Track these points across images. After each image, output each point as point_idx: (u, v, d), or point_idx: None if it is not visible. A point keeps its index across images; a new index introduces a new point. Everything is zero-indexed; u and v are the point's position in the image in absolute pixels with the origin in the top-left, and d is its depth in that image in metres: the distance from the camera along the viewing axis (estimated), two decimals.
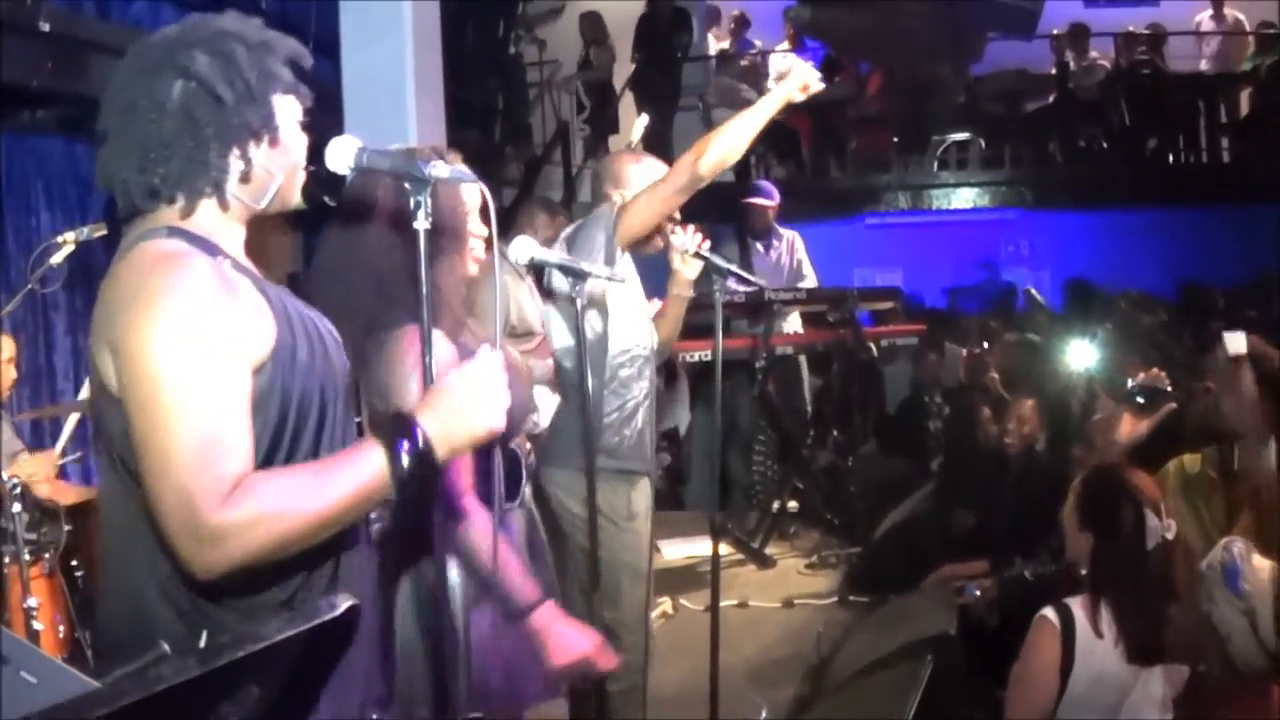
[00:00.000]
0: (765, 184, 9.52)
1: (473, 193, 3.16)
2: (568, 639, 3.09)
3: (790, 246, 9.05)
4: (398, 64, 7.17)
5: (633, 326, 4.46)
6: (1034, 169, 14.02)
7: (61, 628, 5.22)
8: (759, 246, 8.98)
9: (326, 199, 2.59)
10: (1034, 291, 11.15)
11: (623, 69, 13.54)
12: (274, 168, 2.35)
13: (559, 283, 4.40)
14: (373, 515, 2.59)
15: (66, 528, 5.41)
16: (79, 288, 6.86)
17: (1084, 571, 3.77)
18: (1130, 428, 4.51)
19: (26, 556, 5.02)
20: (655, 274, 4.74)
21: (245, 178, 2.31)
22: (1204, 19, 14.73)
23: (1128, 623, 3.58)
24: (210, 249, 2.26)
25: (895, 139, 14.10)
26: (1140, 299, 9.07)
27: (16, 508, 5.04)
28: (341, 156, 2.40)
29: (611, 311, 4.37)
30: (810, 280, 8.96)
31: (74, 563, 5.48)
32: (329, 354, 2.37)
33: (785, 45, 15.14)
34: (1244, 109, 14.25)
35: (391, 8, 7.18)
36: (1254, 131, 13.58)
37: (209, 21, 2.33)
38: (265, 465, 2.21)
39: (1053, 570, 5.00)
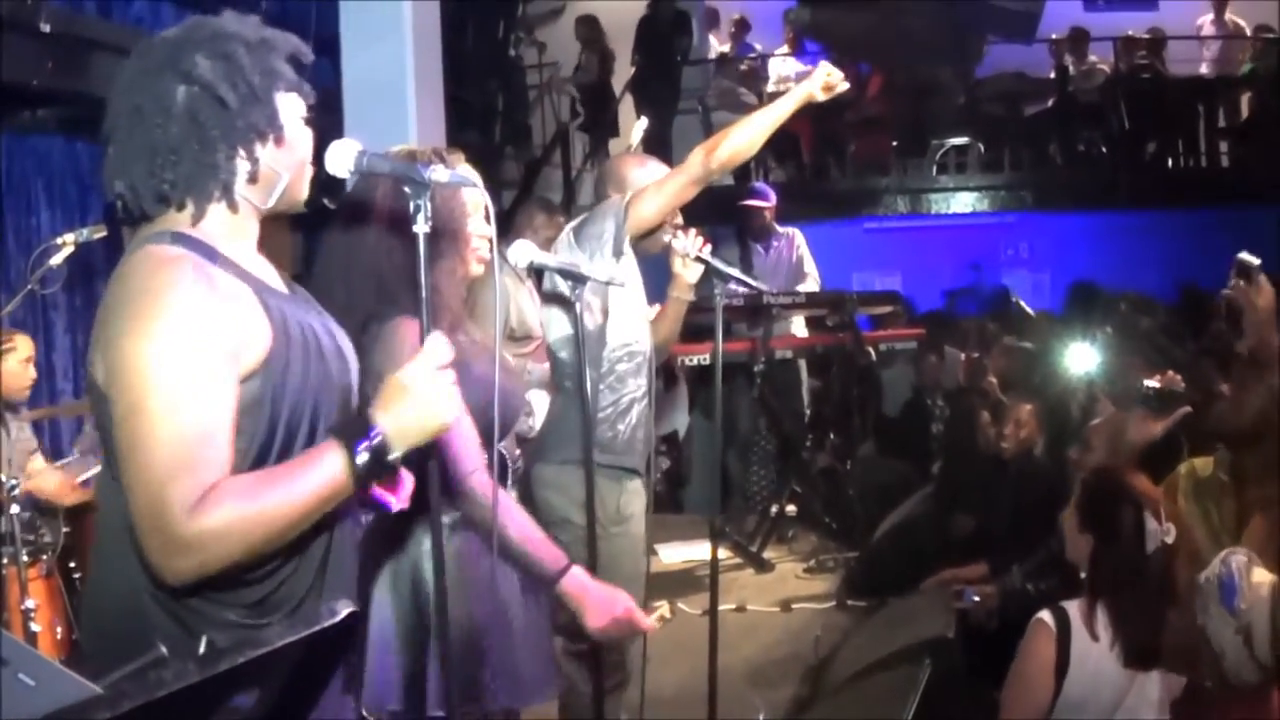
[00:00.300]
0: (762, 186, 9.53)
1: (474, 194, 3.16)
2: (603, 601, 3.10)
3: (790, 244, 9.03)
4: (398, 65, 7.17)
5: (632, 323, 4.45)
6: (1033, 172, 14.02)
7: (59, 629, 5.23)
8: (758, 248, 8.98)
9: (326, 201, 2.59)
10: (1020, 301, 11.16)
11: (622, 72, 13.54)
12: (280, 166, 2.35)
13: (558, 285, 4.40)
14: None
15: (64, 529, 5.42)
16: (79, 288, 6.86)
17: (1083, 574, 3.77)
18: (1143, 430, 4.50)
19: (24, 558, 5.02)
20: (656, 276, 4.74)
21: (253, 178, 2.32)
22: (1205, 22, 14.74)
23: (1125, 626, 3.58)
24: (212, 255, 2.26)
25: (895, 142, 14.10)
26: (1140, 302, 9.05)
27: (15, 509, 5.04)
28: (341, 160, 2.40)
29: (611, 305, 4.36)
30: (812, 276, 8.94)
31: (72, 564, 5.48)
32: (327, 365, 2.36)
33: (785, 48, 15.15)
34: (1243, 113, 14.25)
35: (391, 8, 7.19)
36: (1253, 135, 13.60)
37: (208, 23, 2.33)
38: (257, 462, 2.24)
39: (1054, 585, 4.99)
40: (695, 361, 8.01)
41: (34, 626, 5.00)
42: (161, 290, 2.15)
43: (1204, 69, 14.52)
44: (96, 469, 5.59)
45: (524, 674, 3.34)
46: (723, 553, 6.45)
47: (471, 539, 3.19)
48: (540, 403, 4.24)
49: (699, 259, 4.38)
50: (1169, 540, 3.66)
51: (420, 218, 2.40)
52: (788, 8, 14.49)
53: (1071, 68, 13.90)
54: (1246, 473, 4.25)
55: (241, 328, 2.21)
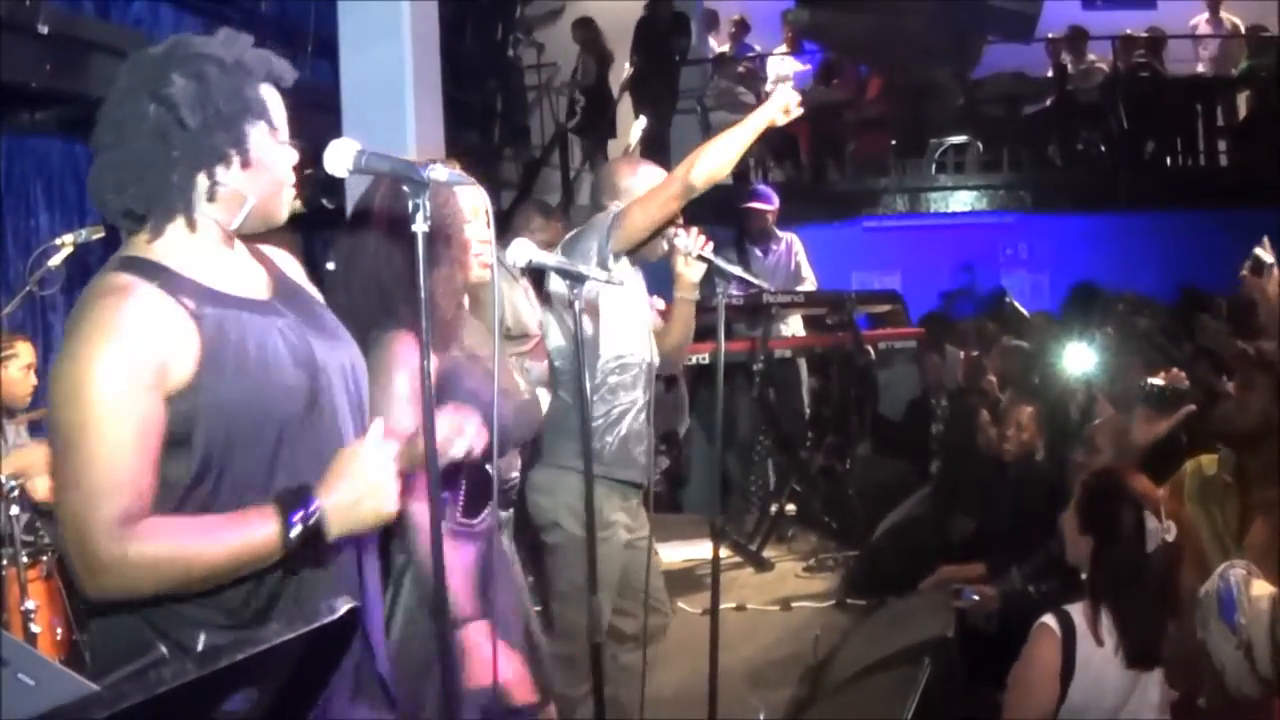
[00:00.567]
0: (764, 188, 9.51)
1: (474, 197, 3.16)
2: (488, 662, 3.03)
3: (789, 248, 9.04)
4: (396, 66, 7.16)
5: (627, 334, 4.46)
6: (1032, 172, 14.02)
7: (59, 630, 5.22)
8: (757, 251, 8.98)
9: (325, 202, 2.60)
10: (1013, 300, 11.14)
11: (620, 72, 13.53)
12: (247, 189, 2.38)
13: (557, 286, 4.41)
14: None
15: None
16: (77, 290, 6.82)
17: (1084, 576, 3.76)
18: (1147, 429, 4.49)
19: (24, 559, 5.02)
20: (659, 277, 4.75)
21: (212, 197, 2.35)
22: (1200, 22, 14.74)
23: (1127, 626, 3.57)
24: (165, 276, 2.31)
25: (893, 142, 14.09)
26: (1139, 302, 9.05)
27: (14, 510, 5.04)
28: (340, 159, 2.41)
29: (604, 316, 4.38)
30: (809, 282, 8.96)
31: None
32: (270, 376, 2.35)
33: (784, 48, 15.14)
34: (1242, 112, 14.25)
35: (390, 9, 7.17)
36: (1252, 135, 13.59)
37: (190, 43, 2.38)
38: (199, 476, 2.28)
39: (1054, 586, 4.98)
40: (694, 361, 8.01)
41: (34, 627, 4.99)
42: (94, 321, 2.24)
43: (1200, 68, 14.52)
44: None
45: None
46: (722, 552, 6.45)
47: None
48: (542, 401, 4.25)
49: (701, 257, 4.40)
50: (1169, 538, 3.64)
51: (419, 217, 2.40)
52: (786, 8, 14.47)
53: (1070, 67, 13.89)
54: (1250, 475, 4.24)
55: (168, 351, 2.25)
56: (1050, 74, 14.16)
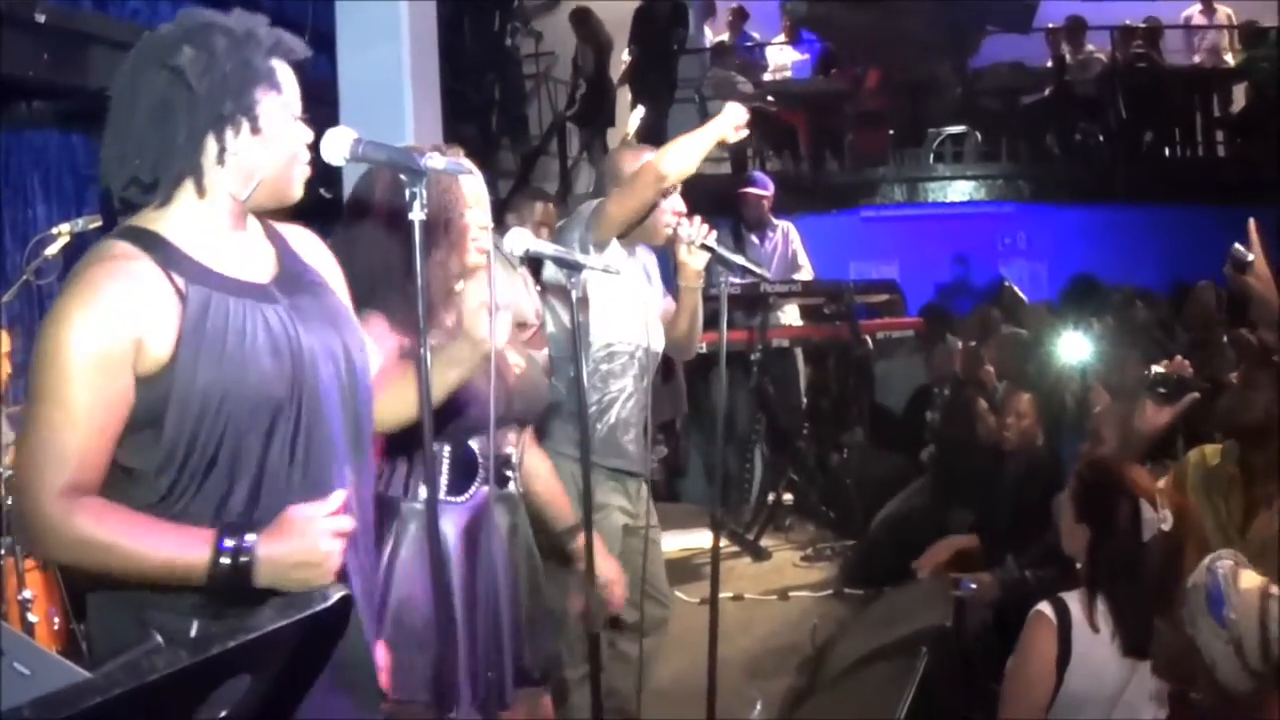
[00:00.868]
0: (760, 175, 9.53)
1: (473, 184, 3.16)
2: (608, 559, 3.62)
3: (785, 237, 9.06)
4: (394, 58, 7.15)
5: (618, 322, 4.49)
6: (1030, 163, 14.02)
7: (56, 620, 5.22)
8: (754, 238, 8.99)
9: (323, 191, 2.60)
10: (1012, 286, 11.14)
11: (619, 61, 13.51)
12: (258, 157, 2.36)
13: (552, 275, 4.42)
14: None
15: None
16: None
17: (1079, 565, 3.76)
18: (1152, 418, 4.49)
19: (21, 549, 5.02)
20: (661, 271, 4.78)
21: (221, 162, 2.33)
22: (1193, 13, 14.73)
23: (1124, 616, 3.56)
24: (165, 252, 2.31)
25: (892, 132, 14.09)
26: (1137, 293, 9.06)
27: (10, 500, 5.04)
28: (337, 148, 2.41)
29: (593, 304, 4.39)
30: (806, 270, 8.96)
31: None
32: (246, 364, 2.32)
33: (782, 38, 15.13)
34: (1240, 104, 14.23)
35: (388, 4, 7.17)
36: (1250, 127, 13.58)
37: (199, 16, 2.37)
38: (168, 459, 2.28)
39: (1053, 574, 4.98)
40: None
41: (31, 617, 4.99)
42: (80, 286, 2.26)
43: (1196, 58, 14.50)
44: None
45: (530, 655, 3.43)
46: (720, 542, 6.46)
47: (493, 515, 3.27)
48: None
49: (704, 246, 4.41)
50: (1165, 528, 3.64)
51: (416, 205, 2.40)
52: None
53: (1068, 57, 13.88)
54: (1255, 468, 4.23)
55: (145, 327, 2.25)
56: (1049, 65, 14.13)
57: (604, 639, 3.91)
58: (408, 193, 2.41)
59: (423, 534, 3.16)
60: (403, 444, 2.88)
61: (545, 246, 3.58)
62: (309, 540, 2.25)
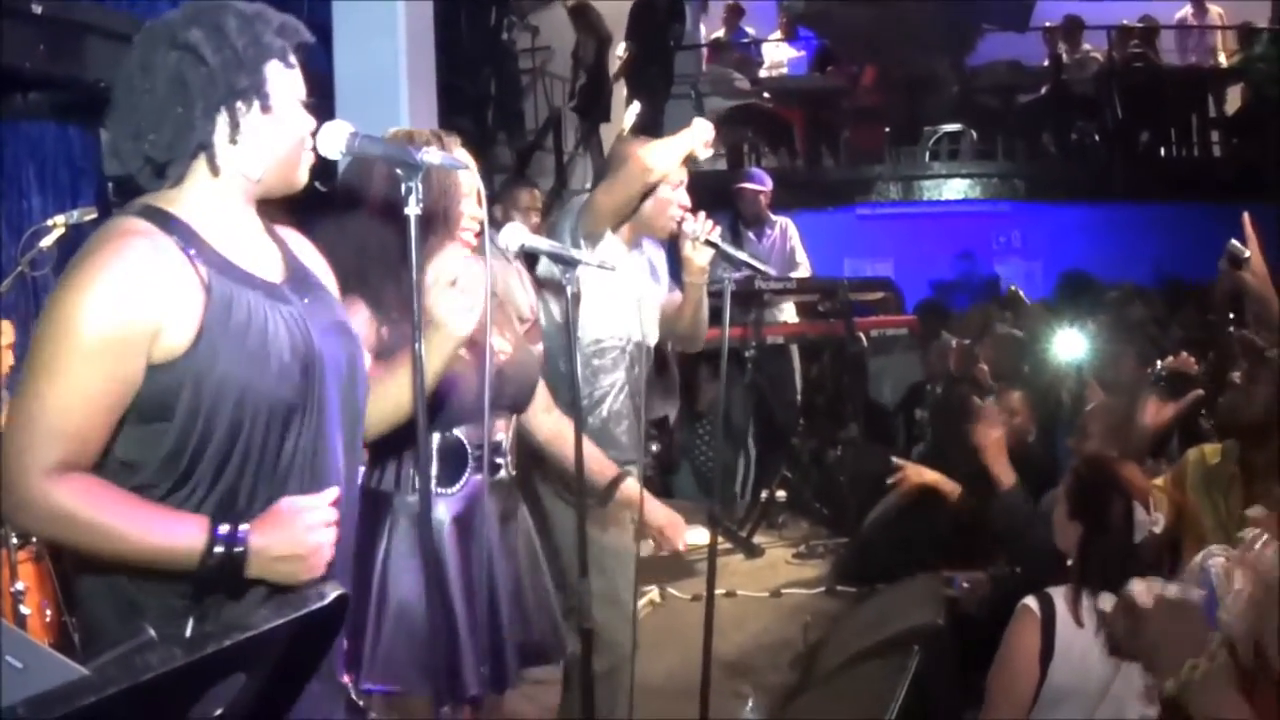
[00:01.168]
0: (758, 171, 9.54)
1: (468, 178, 3.16)
2: (658, 506, 3.87)
3: (784, 233, 9.07)
4: (390, 52, 7.15)
5: (610, 317, 4.51)
6: (1026, 161, 14.01)
7: (49, 612, 5.21)
8: (751, 235, 9.00)
9: (318, 184, 2.59)
10: (1018, 290, 11.16)
11: (615, 57, 13.50)
12: (270, 136, 2.35)
13: (548, 269, 4.42)
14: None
15: None
16: None
17: (1070, 562, 3.76)
18: (1154, 414, 4.49)
19: (14, 540, 5.01)
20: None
21: (234, 140, 2.32)
22: (1186, 14, 14.74)
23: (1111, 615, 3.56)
24: (182, 231, 2.28)
25: (888, 130, 14.09)
26: (1133, 291, 9.06)
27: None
28: (334, 141, 2.40)
29: (585, 299, 4.41)
30: (804, 267, 8.97)
31: None
32: (269, 360, 2.32)
33: (779, 34, 15.13)
34: (1237, 104, 14.24)
35: None
36: (1247, 127, 13.59)
37: (207, 1, 2.36)
38: (174, 455, 2.25)
39: (1044, 571, 4.98)
40: None
41: (23, 609, 4.99)
42: (92, 264, 2.20)
43: (1193, 59, 14.51)
44: None
45: (534, 636, 3.45)
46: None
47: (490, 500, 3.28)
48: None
49: (709, 242, 4.42)
50: (1157, 530, 3.65)
51: (412, 200, 2.39)
52: None
53: (1065, 56, 13.88)
54: (1255, 467, 4.23)
55: (167, 310, 2.22)
56: (1046, 63, 14.14)
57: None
58: (403, 187, 2.40)
59: (415, 527, 3.16)
60: (391, 438, 2.87)
61: (541, 242, 3.58)
62: (299, 532, 2.25)
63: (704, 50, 15.04)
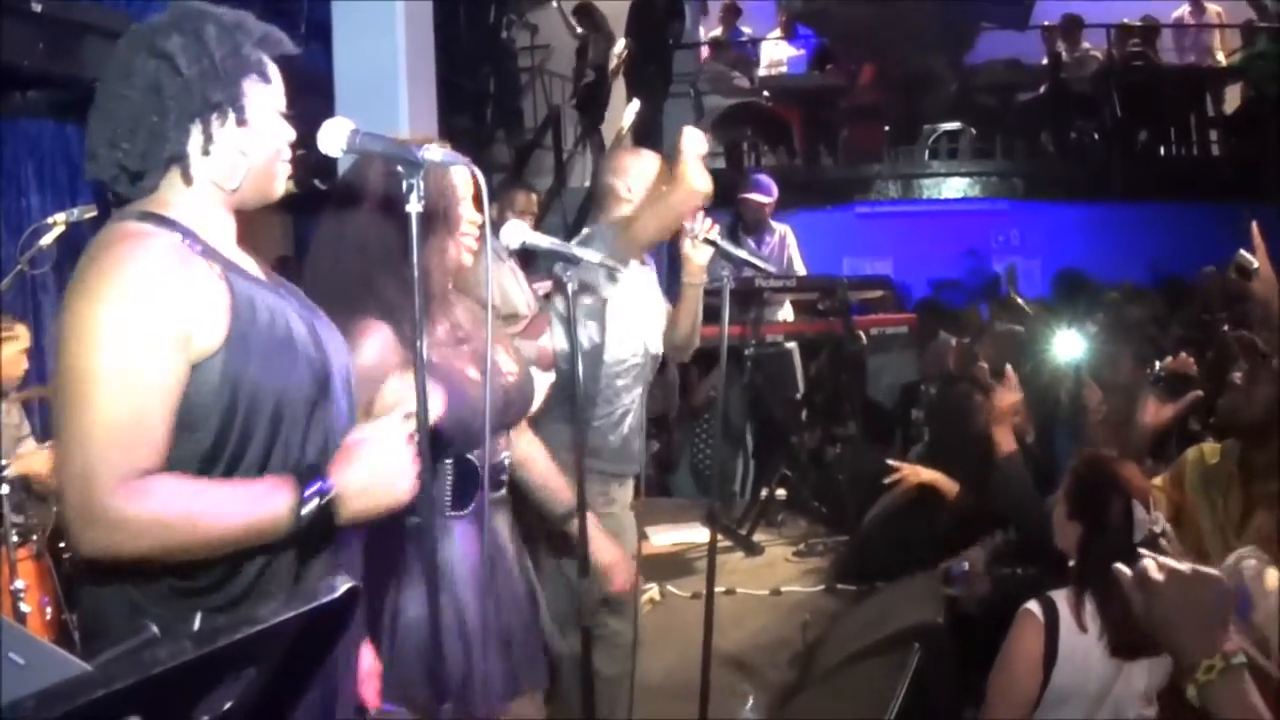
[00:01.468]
0: (764, 180, 9.48)
1: (466, 177, 3.16)
2: (607, 543, 3.68)
3: (782, 241, 9.08)
4: (389, 50, 7.15)
5: (630, 338, 4.53)
6: (1025, 160, 14.03)
7: (49, 610, 5.23)
8: (751, 241, 8.99)
9: (318, 183, 2.59)
10: (1016, 297, 11.16)
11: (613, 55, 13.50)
12: (244, 148, 2.34)
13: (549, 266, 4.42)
14: None
15: (54, 509, 5.40)
16: (68, 269, 6.80)
17: (1070, 562, 3.76)
18: (1154, 414, 4.48)
19: (14, 539, 5.02)
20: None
21: (207, 151, 2.31)
22: (1184, 14, 14.75)
23: (1112, 615, 3.56)
24: (185, 233, 2.26)
25: (887, 128, 14.09)
26: (1131, 291, 9.07)
27: (4, 490, 5.03)
28: (334, 139, 2.40)
29: (610, 323, 4.43)
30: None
31: (62, 545, 5.47)
32: (297, 357, 2.33)
33: (778, 33, 15.13)
34: (1236, 103, 14.24)
35: None
36: (1245, 126, 13.59)
37: (191, 6, 2.35)
38: (209, 461, 2.22)
39: (1042, 569, 4.98)
40: None
41: (23, 607, 5.00)
42: (119, 262, 2.17)
43: (1191, 58, 14.52)
44: None
45: (517, 662, 3.37)
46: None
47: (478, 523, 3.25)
48: (541, 381, 4.25)
49: (709, 240, 4.41)
50: (1156, 530, 3.64)
51: (413, 197, 2.39)
52: None
53: (1064, 55, 13.88)
54: (1254, 466, 4.24)
55: (199, 309, 2.20)
56: (1044, 62, 14.14)
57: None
58: (404, 184, 2.40)
59: (434, 549, 3.15)
60: None
61: (540, 239, 3.57)
62: (377, 458, 2.27)
63: (703, 49, 15.03)
